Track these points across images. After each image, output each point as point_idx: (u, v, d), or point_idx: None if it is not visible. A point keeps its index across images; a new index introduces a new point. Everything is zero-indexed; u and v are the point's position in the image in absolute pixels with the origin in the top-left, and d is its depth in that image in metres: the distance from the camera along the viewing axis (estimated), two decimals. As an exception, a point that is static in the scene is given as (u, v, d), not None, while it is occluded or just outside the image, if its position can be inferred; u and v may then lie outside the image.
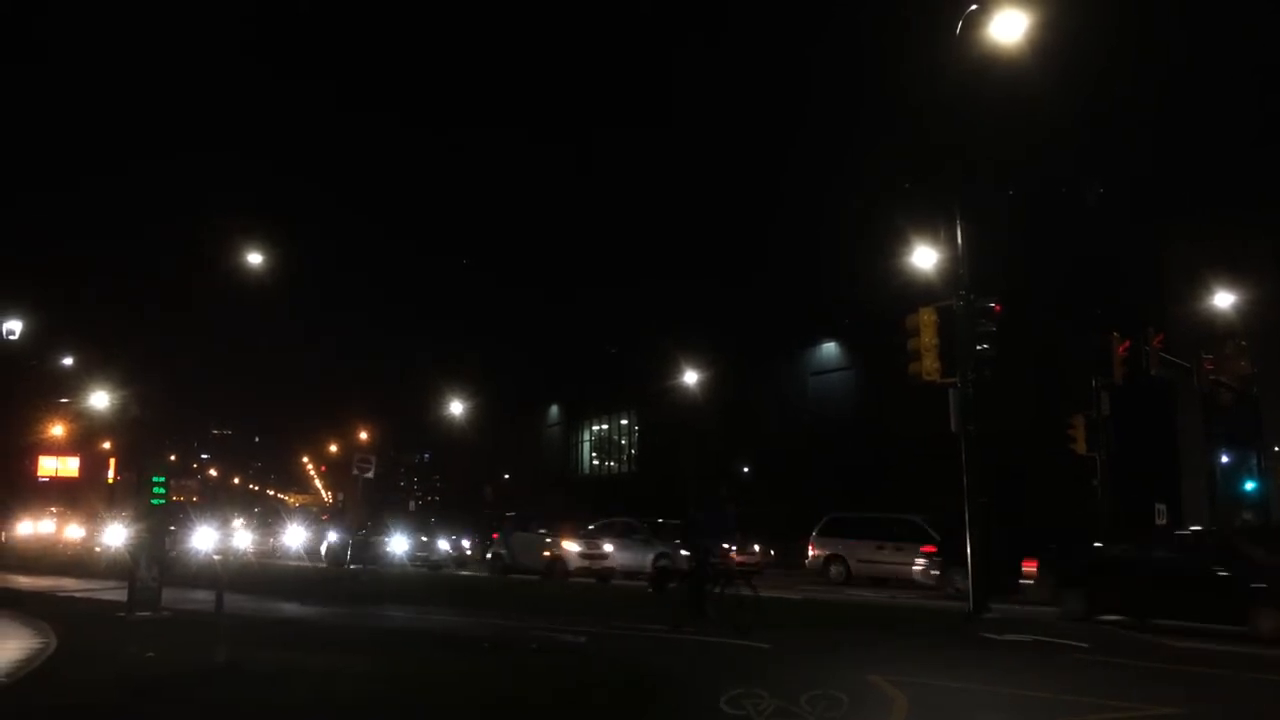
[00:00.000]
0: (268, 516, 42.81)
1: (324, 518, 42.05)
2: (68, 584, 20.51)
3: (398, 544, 29.01)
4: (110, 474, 63.38)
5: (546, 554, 24.92)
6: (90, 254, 76.92)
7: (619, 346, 53.17)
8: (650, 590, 16.26)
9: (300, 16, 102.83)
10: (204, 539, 33.39)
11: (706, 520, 15.14)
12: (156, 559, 13.75)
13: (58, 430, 58.14)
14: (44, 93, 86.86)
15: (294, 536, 35.50)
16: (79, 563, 27.81)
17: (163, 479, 14.47)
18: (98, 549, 34.46)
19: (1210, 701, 8.86)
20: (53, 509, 46.61)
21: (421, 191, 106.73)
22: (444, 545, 31.19)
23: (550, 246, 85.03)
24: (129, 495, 41.04)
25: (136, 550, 13.98)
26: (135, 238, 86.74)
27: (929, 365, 16.07)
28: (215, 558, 30.64)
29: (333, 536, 34.18)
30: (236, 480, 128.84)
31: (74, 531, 41.56)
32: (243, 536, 34.57)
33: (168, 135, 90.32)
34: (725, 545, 15.11)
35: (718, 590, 13.54)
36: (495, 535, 29.19)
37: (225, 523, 37.15)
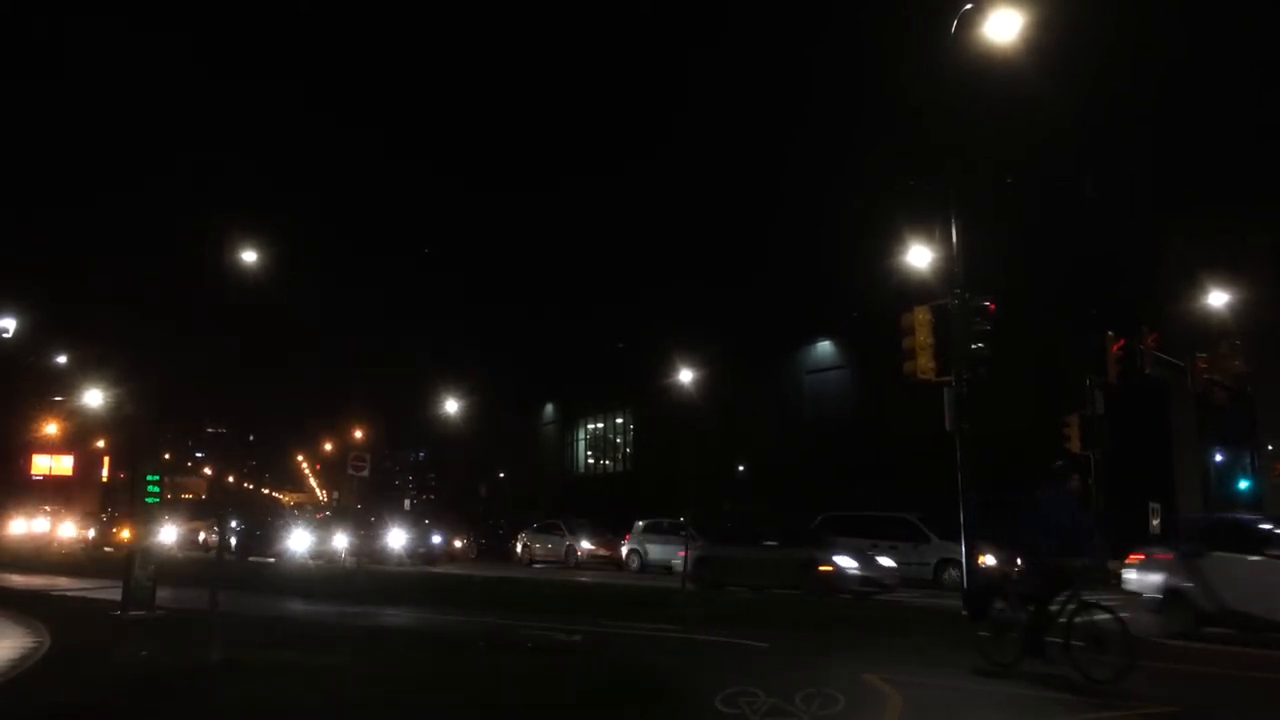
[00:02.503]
0: (370, 517, 41.49)
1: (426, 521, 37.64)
2: (61, 583, 20.48)
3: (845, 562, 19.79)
4: (104, 472, 63.38)
5: None
6: (85, 253, 76.64)
7: (613, 345, 53.19)
8: (965, 614, 11.34)
9: (299, 16, 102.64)
10: (299, 542, 32.09)
11: (1049, 507, 9.91)
12: (150, 558, 13.72)
13: (52, 429, 58.06)
14: (43, 94, 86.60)
15: (396, 538, 33.21)
16: (73, 562, 27.76)
17: (157, 477, 14.45)
18: (108, 549, 33.94)
19: (1209, 701, 8.86)
20: (46, 507, 46.53)
21: (418, 190, 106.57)
22: (887, 562, 21.33)
23: (545, 245, 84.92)
24: (127, 492, 40.55)
25: (131, 548, 13.94)
26: (131, 236, 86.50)
27: (924, 364, 16.08)
28: (310, 561, 29.77)
29: (401, 538, 32.61)
30: (231, 479, 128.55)
31: (67, 530, 41.43)
32: (340, 539, 32.27)
33: (166, 136, 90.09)
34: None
35: (1064, 618, 9.38)
36: (1166, 556, 16.88)
37: (323, 526, 35.31)
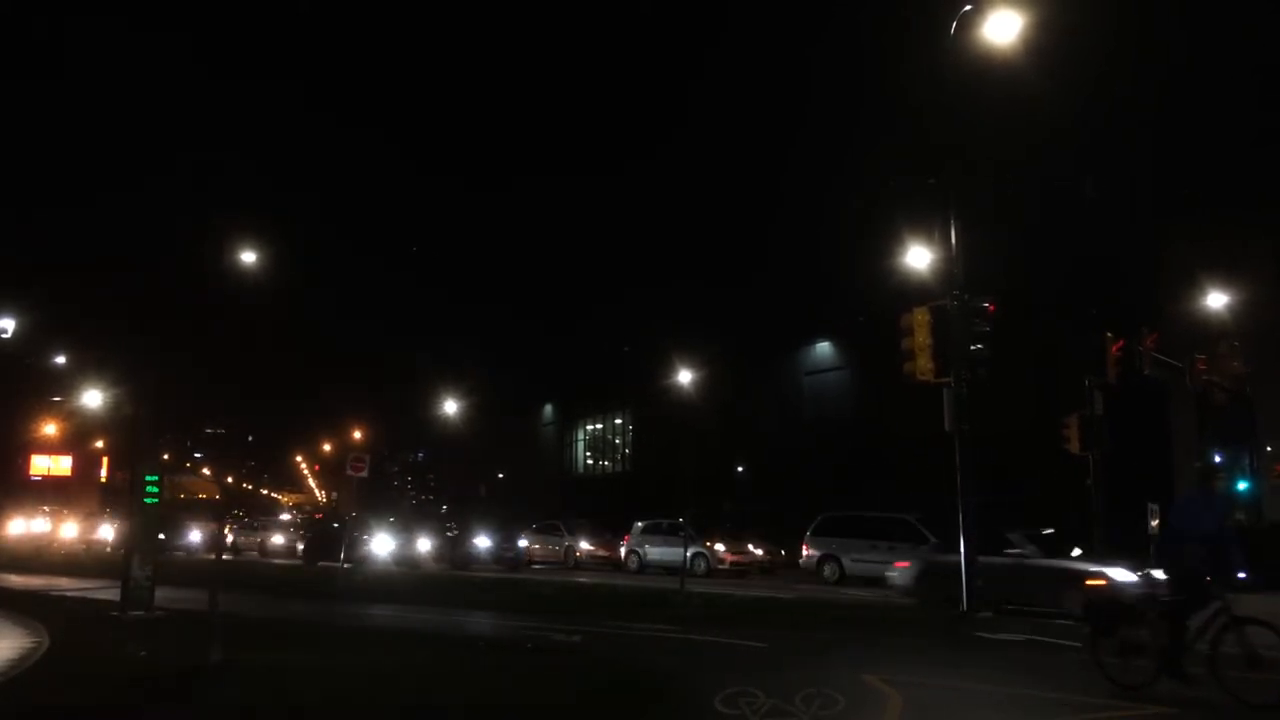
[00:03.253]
0: (449, 522, 39.13)
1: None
2: (61, 583, 20.48)
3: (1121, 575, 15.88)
4: (103, 473, 63.30)
5: None
6: (84, 252, 76.55)
7: (613, 346, 53.20)
8: (1088, 631, 9.63)
9: (300, 16, 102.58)
10: (382, 545, 30.16)
11: (1194, 510, 9.09)
12: (149, 558, 13.70)
13: (50, 429, 58.01)
14: (43, 94, 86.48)
15: (482, 543, 31.74)
16: (74, 562, 27.73)
17: (156, 477, 14.44)
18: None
19: (1205, 702, 8.85)
20: (45, 507, 46.44)
21: (418, 190, 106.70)
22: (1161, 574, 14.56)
23: (545, 246, 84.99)
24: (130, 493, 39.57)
25: (129, 549, 13.93)
26: (131, 236, 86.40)
27: (923, 365, 16.08)
28: (394, 567, 27.98)
29: (486, 542, 30.93)
30: (230, 479, 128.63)
31: (70, 530, 41.08)
32: (424, 543, 30.78)
33: (166, 136, 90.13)
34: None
35: (1210, 635, 8.42)
36: None
37: (405, 528, 32.55)
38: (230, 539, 36.87)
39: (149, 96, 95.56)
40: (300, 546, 34.59)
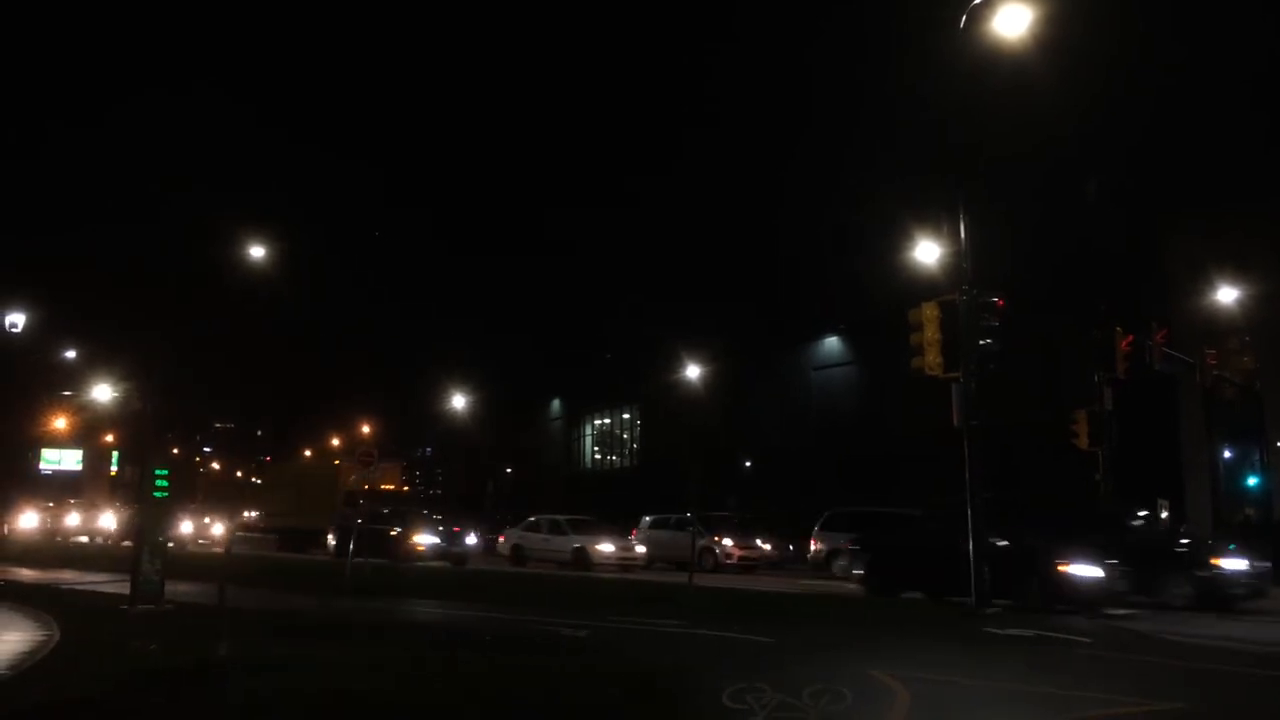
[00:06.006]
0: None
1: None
2: (66, 576, 20.55)
3: None
4: (113, 467, 63.54)
5: None
6: (94, 247, 76.72)
7: (620, 341, 53.24)
8: None
9: (299, 39, 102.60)
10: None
11: None
12: (158, 551, 13.75)
13: (60, 423, 58.24)
14: (44, 104, 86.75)
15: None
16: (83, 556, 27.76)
17: (165, 471, 14.51)
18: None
19: (1214, 698, 8.83)
20: (71, 500, 46.39)
21: (419, 186, 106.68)
22: None
23: (550, 242, 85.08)
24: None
25: (139, 543, 13.97)
26: (139, 232, 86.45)
27: (932, 360, 16.04)
28: None
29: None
30: (239, 474, 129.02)
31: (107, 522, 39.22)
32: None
33: (175, 130, 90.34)
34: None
35: None
36: None
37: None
38: (504, 540, 31.73)
39: (154, 96, 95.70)
40: (640, 545, 29.72)
